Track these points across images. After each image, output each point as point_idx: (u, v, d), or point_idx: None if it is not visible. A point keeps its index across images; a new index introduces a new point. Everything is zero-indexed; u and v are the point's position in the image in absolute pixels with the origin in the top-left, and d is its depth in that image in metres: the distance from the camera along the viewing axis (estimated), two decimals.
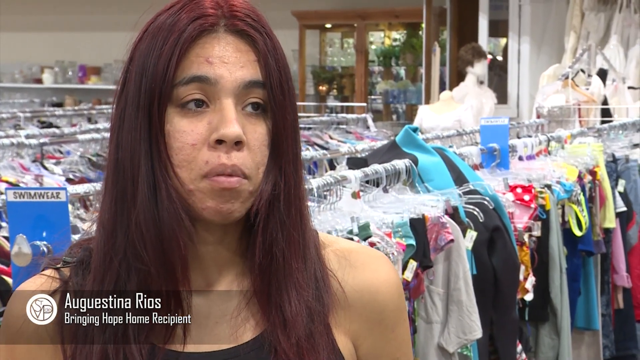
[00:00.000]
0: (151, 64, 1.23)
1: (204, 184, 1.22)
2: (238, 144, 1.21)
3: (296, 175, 1.27)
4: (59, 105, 11.67)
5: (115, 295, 1.24)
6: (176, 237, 1.22)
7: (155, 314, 1.24)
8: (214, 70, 1.22)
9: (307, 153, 4.54)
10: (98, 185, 2.99)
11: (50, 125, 7.10)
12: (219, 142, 1.21)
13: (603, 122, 6.58)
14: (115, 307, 1.24)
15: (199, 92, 1.23)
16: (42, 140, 4.86)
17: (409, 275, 2.89)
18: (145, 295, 1.24)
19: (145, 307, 1.24)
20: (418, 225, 2.98)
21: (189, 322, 1.26)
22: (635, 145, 5.50)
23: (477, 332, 3.17)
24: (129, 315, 1.24)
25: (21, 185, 4.12)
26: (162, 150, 1.22)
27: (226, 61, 1.23)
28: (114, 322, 1.24)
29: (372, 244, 2.74)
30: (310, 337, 1.27)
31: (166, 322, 1.25)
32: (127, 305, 1.24)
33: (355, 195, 3.06)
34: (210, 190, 1.21)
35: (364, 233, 2.78)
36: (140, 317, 1.24)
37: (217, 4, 1.26)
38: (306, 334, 1.26)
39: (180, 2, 1.26)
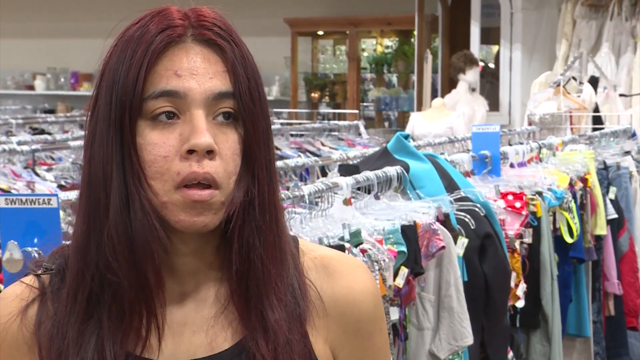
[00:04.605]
0: (121, 77, 1.23)
1: (176, 196, 1.22)
2: (210, 153, 1.22)
3: (270, 182, 1.27)
4: (51, 111, 11.67)
5: (89, 306, 1.25)
6: (150, 249, 1.23)
7: (129, 325, 1.24)
8: (182, 84, 1.23)
9: (298, 160, 4.54)
10: None
11: (42, 132, 7.09)
12: (191, 152, 1.21)
13: (594, 129, 6.60)
14: (89, 317, 1.25)
15: (169, 105, 1.23)
16: (34, 147, 4.85)
17: (400, 282, 2.89)
18: (119, 306, 1.24)
19: (119, 318, 1.24)
20: (409, 232, 2.99)
21: (163, 331, 1.26)
22: (627, 153, 5.52)
23: (468, 339, 3.18)
24: (103, 325, 1.24)
25: (13, 191, 4.11)
26: (134, 162, 1.23)
27: (195, 73, 1.23)
28: (89, 332, 1.25)
29: (363, 251, 2.75)
30: (287, 343, 1.27)
31: (141, 332, 1.25)
32: (101, 316, 1.24)
33: (346, 202, 3.06)
34: (182, 203, 1.22)
35: (356, 240, 2.78)
36: (115, 328, 1.24)
37: (184, 15, 1.26)
38: (284, 341, 1.26)
39: (149, 14, 1.27)
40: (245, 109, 1.24)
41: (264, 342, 1.26)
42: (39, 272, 1.31)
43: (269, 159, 1.27)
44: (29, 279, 1.31)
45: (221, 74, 1.24)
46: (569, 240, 4.26)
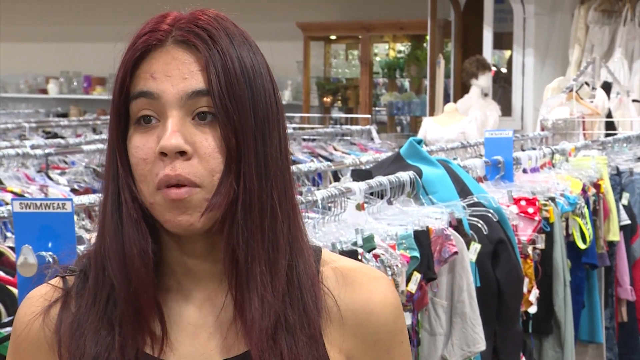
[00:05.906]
0: (114, 82, 1.27)
1: (159, 197, 1.23)
2: (183, 154, 1.22)
3: (260, 180, 1.24)
4: (64, 115, 11.70)
5: (108, 306, 1.27)
6: (132, 254, 1.24)
7: (142, 326, 1.26)
8: (157, 85, 1.24)
9: (311, 164, 4.54)
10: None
11: (55, 136, 7.11)
12: (163, 154, 1.22)
13: (607, 135, 6.59)
14: (107, 317, 1.27)
15: (148, 107, 1.24)
16: (47, 151, 4.87)
17: (412, 287, 2.89)
18: (129, 308, 1.26)
19: (130, 319, 1.25)
20: (422, 238, 2.99)
21: (180, 333, 1.28)
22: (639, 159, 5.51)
23: (481, 345, 3.17)
24: (117, 326, 1.26)
25: (26, 195, 4.13)
26: (125, 167, 1.26)
27: (169, 74, 1.24)
28: (106, 331, 1.26)
29: (376, 256, 2.75)
30: (292, 347, 1.25)
31: (154, 333, 1.26)
32: (117, 317, 1.27)
33: (359, 207, 3.06)
34: (164, 203, 1.23)
35: (368, 245, 2.78)
36: (129, 328, 1.25)
37: (179, 19, 1.27)
38: (288, 344, 1.25)
39: (149, 20, 1.28)
40: (224, 106, 1.23)
41: (250, 339, 1.24)
42: (65, 274, 1.33)
43: (264, 156, 1.25)
44: (55, 281, 1.33)
45: (196, 73, 1.24)
46: (581, 246, 4.26)
